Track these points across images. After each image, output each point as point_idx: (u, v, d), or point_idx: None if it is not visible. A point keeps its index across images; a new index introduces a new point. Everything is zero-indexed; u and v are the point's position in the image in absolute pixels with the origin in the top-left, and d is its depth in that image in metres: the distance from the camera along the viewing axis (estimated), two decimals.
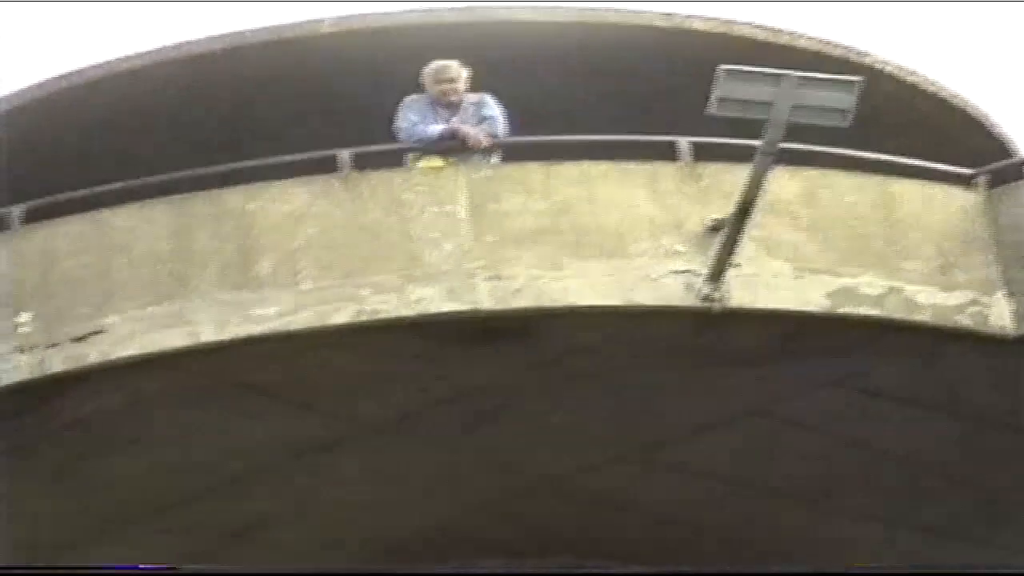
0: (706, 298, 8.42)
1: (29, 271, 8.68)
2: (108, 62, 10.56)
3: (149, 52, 10.51)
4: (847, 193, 8.85)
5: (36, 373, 8.49)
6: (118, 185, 8.95)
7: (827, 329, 8.63)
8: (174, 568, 8.04)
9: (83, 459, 9.07)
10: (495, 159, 9.29)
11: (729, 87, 7.88)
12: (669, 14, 10.56)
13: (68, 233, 8.71)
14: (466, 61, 9.63)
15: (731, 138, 8.67)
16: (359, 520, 9.83)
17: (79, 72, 10.58)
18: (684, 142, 8.79)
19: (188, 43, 10.49)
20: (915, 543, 10.33)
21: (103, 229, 8.66)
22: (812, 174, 8.84)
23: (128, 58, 10.55)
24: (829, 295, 8.58)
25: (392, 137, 9.43)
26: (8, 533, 9.53)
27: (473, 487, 9.61)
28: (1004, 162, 9.92)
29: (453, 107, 9.49)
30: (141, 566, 8.32)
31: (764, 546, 10.32)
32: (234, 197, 8.63)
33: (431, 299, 8.34)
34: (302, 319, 8.35)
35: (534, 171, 8.74)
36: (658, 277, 8.45)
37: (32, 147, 10.53)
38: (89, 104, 10.51)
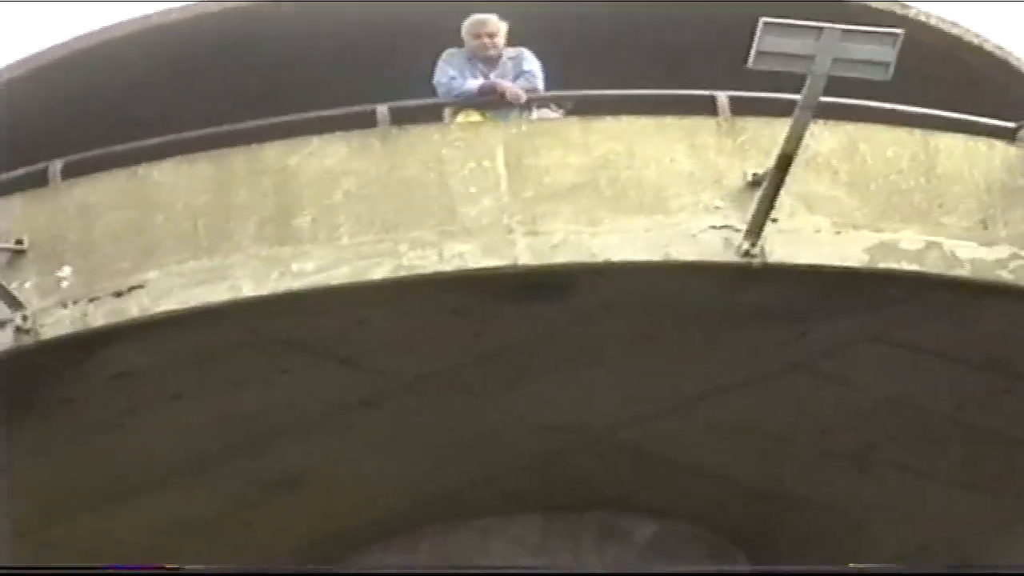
0: (745, 253, 8.39)
1: (69, 226, 8.72)
2: (147, 16, 10.55)
3: (188, 6, 10.50)
4: (887, 147, 8.79)
5: (78, 327, 8.55)
6: (157, 140, 8.97)
7: (867, 284, 8.60)
8: (174, 568, 8.10)
9: (126, 413, 9.13)
10: (534, 114, 9.26)
11: (769, 40, 7.83)
12: None
13: (108, 188, 8.74)
14: (504, 16, 9.58)
15: (770, 92, 8.61)
16: (396, 477, 9.86)
17: (117, 26, 10.57)
18: (723, 97, 8.74)
19: None
20: (957, 499, 10.29)
21: (143, 184, 8.69)
22: (852, 128, 8.79)
23: (167, 12, 10.54)
24: (869, 250, 8.54)
25: (431, 92, 9.41)
26: (52, 485, 9.62)
27: (510, 443, 9.63)
28: None
29: (491, 61, 9.47)
30: (141, 566, 8.38)
31: (804, 501, 10.30)
32: (273, 152, 8.65)
33: (469, 254, 8.34)
34: (341, 274, 8.37)
35: (572, 126, 8.71)
36: (697, 232, 8.43)
37: (71, 103, 10.55)
38: (127, 59, 10.50)
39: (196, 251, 8.51)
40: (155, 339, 8.57)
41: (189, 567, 9.50)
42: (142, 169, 8.73)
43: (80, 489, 9.70)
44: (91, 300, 8.55)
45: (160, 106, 10.54)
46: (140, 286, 8.50)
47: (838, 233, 8.54)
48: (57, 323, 8.56)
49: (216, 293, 8.42)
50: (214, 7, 10.46)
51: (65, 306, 8.57)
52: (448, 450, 9.69)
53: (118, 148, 9.01)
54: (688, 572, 10.08)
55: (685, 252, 8.39)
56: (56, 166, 8.87)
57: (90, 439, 9.28)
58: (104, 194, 8.74)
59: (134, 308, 8.48)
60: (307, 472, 9.78)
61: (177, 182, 8.64)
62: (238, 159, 8.66)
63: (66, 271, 8.65)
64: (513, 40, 9.53)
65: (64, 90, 10.52)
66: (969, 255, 8.65)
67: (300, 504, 10.02)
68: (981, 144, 8.95)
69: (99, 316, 8.52)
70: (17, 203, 8.85)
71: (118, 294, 8.52)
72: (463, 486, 9.99)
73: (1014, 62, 11.28)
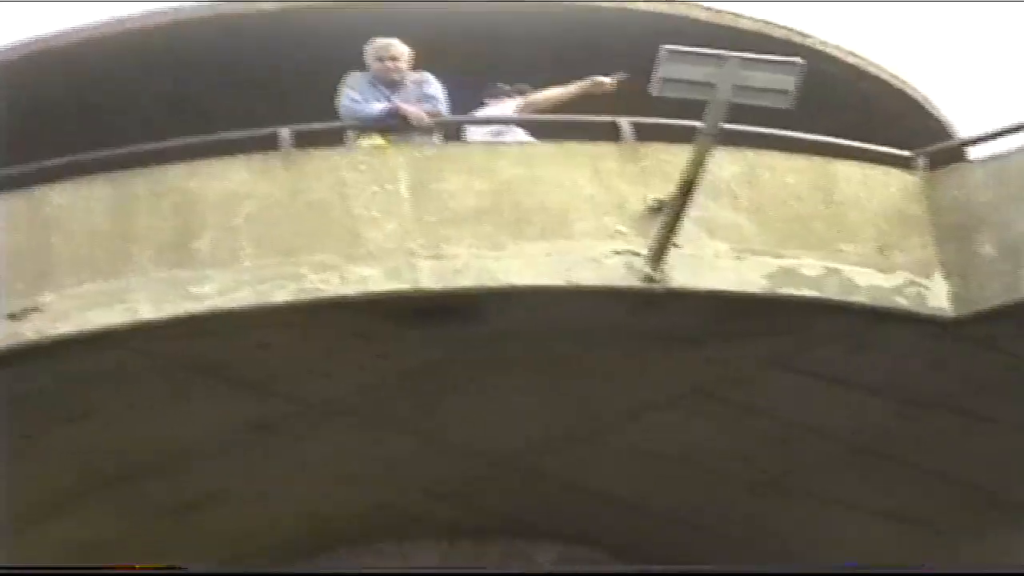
0: (647, 278, 8.44)
1: None
2: (43, 37, 10.44)
3: (86, 27, 10.40)
4: (787, 174, 8.88)
5: None
6: (56, 162, 8.85)
7: (767, 310, 8.67)
8: (174, 568, 7.99)
9: (24, 437, 9.00)
10: (436, 138, 9.27)
11: (671, 68, 7.90)
12: None
13: (3, 210, 8.62)
14: (408, 39, 9.59)
15: (672, 119, 8.68)
16: (301, 500, 9.81)
17: (13, 48, 10.46)
18: (626, 123, 8.79)
19: (127, 19, 10.39)
20: (870, 527, 10.37)
21: (39, 206, 8.58)
22: (753, 155, 8.87)
23: (64, 33, 10.44)
24: (769, 276, 8.62)
25: (334, 115, 9.38)
26: None
27: (415, 468, 9.60)
28: (943, 144, 9.99)
29: (395, 85, 9.45)
30: (140, 566, 8.27)
31: (712, 527, 10.35)
32: (174, 174, 8.58)
33: (372, 278, 8.31)
34: (241, 297, 8.31)
35: (476, 151, 8.73)
36: (600, 257, 8.46)
37: None
38: (23, 80, 10.39)
39: (94, 273, 8.41)
40: (53, 362, 8.45)
41: (190, 567, 9.34)
42: (39, 191, 8.62)
43: None
44: None
45: (58, 127, 10.43)
46: (36, 308, 8.38)
47: (739, 259, 8.61)
48: None
49: (114, 316, 8.33)
50: (113, 28, 10.38)
51: None
52: (350, 474, 9.65)
53: (14, 170, 8.88)
54: (681, 571, 10.07)
55: (588, 277, 8.42)
56: None
57: None
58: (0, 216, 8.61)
59: (30, 331, 8.36)
60: (208, 496, 9.69)
61: (75, 204, 8.54)
62: (138, 181, 8.58)
63: None
64: (422, 63, 9.54)
65: None
66: (867, 281, 8.75)
67: (200, 528, 9.93)
68: (879, 172, 9.07)
69: None
70: None
71: (13, 316, 8.40)
72: (364, 511, 9.95)
73: (910, 91, 11.48)
